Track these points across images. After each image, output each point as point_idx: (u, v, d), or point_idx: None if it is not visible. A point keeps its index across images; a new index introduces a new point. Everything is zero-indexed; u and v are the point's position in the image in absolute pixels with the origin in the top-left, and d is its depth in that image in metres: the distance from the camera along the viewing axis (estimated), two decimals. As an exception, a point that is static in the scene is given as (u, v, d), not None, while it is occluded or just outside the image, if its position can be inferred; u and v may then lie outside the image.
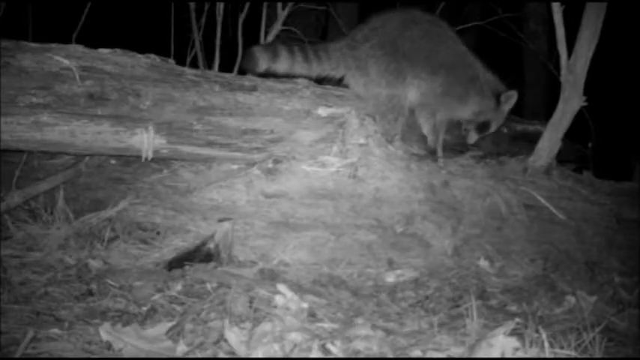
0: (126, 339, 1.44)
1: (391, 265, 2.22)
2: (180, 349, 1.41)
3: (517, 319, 1.56)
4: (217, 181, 2.41)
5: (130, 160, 2.47)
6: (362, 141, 2.48)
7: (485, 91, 2.71)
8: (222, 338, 1.45)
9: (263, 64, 2.60)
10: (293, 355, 1.37)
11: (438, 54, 2.66)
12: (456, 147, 2.97)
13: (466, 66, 2.71)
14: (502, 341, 1.32)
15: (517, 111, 3.20)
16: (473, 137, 2.82)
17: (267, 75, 2.63)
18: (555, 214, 2.49)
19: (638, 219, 2.60)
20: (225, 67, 3.37)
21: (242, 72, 3.17)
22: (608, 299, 1.99)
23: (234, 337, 1.41)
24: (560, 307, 1.90)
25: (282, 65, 2.62)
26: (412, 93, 2.67)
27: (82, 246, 2.13)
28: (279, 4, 3.55)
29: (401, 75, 2.62)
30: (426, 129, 2.73)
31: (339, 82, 2.72)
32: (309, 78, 2.62)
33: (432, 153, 2.66)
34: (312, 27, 4.84)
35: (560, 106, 2.63)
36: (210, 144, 2.38)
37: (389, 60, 2.63)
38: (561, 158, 2.84)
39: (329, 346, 1.41)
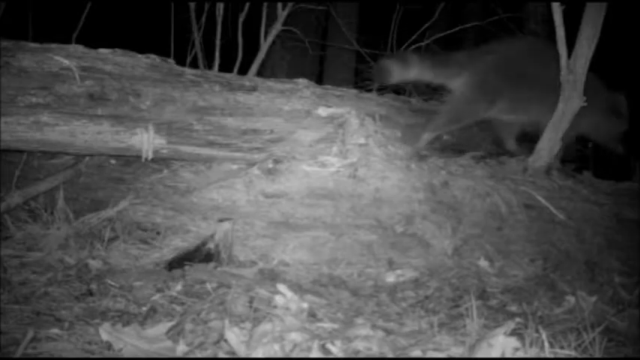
0: (126, 339, 1.43)
1: (391, 265, 2.22)
2: (181, 349, 1.41)
3: (517, 319, 1.56)
4: (217, 181, 2.41)
5: (130, 160, 2.47)
6: (362, 141, 2.48)
7: None
8: (222, 338, 1.45)
9: (396, 75, 2.73)
10: (293, 355, 1.37)
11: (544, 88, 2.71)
12: (456, 147, 2.97)
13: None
14: (502, 341, 1.32)
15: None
16: None
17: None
18: (555, 214, 2.49)
19: (638, 219, 2.60)
20: (225, 67, 3.37)
21: (242, 72, 3.17)
22: (608, 299, 1.99)
23: (234, 337, 1.40)
24: (560, 307, 1.90)
25: (412, 73, 2.75)
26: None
27: (82, 246, 2.13)
28: (279, 4, 3.55)
29: (497, 94, 2.71)
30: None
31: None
32: (431, 85, 2.77)
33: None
34: (312, 27, 4.84)
35: (560, 106, 2.63)
36: (210, 144, 2.38)
37: (491, 79, 2.73)
38: (561, 158, 2.85)
39: (329, 346, 1.40)
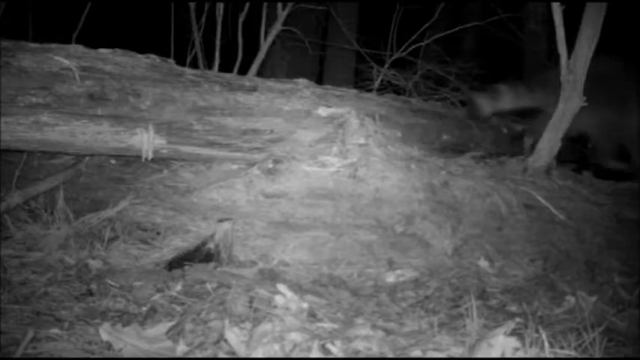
0: (126, 339, 1.43)
1: (391, 265, 2.22)
2: (181, 349, 1.41)
3: (517, 319, 1.56)
4: (217, 181, 2.41)
5: (130, 160, 2.47)
6: (362, 141, 2.48)
7: None
8: (222, 338, 1.45)
9: (488, 108, 2.92)
10: (293, 355, 1.37)
11: None
12: (456, 147, 2.97)
13: None
14: (502, 341, 1.32)
15: (517, 111, 3.23)
16: None
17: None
18: (555, 214, 2.49)
19: (638, 219, 2.60)
20: (225, 67, 3.37)
21: (242, 72, 3.18)
22: (608, 299, 1.99)
23: (234, 337, 1.40)
24: (560, 307, 1.90)
25: (505, 103, 2.92)
26: None
27: (82, 246, 2.12)
28: (279, 4, 3.55)
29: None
30: None
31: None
32: (528, 108, 2.91)
33: None
34: (312, 27, 4.84)
35: (560, 106, 2.64)
36: (210, 144, 2.38)
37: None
38: (561, 158, 2.85)
39: (329, 346, 1.40)
